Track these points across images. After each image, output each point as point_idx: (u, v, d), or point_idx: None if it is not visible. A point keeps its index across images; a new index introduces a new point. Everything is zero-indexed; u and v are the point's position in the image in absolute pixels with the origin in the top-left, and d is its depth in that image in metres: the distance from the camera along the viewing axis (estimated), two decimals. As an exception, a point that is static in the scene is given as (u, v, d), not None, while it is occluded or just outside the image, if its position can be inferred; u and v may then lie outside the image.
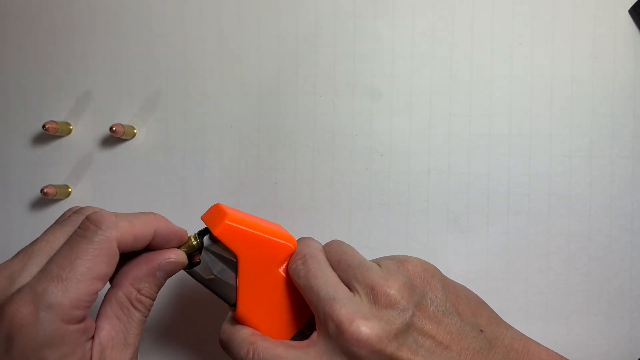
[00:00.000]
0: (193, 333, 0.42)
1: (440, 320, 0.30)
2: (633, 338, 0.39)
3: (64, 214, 0.31)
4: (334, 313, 0.29)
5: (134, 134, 0.42)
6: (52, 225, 0.30)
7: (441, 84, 0.40)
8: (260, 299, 0.32)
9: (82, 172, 0.43)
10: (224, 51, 0.41)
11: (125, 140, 0.42)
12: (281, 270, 0.33)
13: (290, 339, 0.33)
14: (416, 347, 0.29)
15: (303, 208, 0.41)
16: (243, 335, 0.31)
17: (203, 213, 0.41)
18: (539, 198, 0.39)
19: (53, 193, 0.41)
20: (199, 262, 0.32)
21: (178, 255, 0.31)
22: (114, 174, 0.42)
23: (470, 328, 0.31)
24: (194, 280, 0.32)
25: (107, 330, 0.29)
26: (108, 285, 0.30)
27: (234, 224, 0.31)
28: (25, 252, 0.28)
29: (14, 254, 0.43)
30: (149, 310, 0.30)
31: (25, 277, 0.27)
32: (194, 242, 0.32)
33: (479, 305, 0.33)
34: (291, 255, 0.33)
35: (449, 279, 0.33)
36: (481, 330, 0.31)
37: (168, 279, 0.31)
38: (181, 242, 0.31)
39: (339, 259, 0.32)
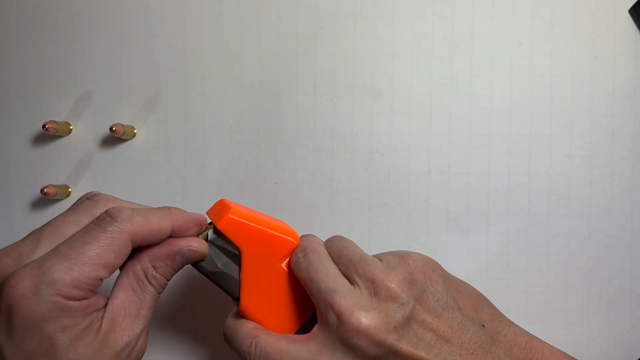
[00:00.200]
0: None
1: (441, 314, 0.30)
2: (633, 338, 0.39)
3: (79, 199, 0.32)
4: (335, 304, 0.29)
5: (134, 134, 0.42)
6: (64, 212, 0.30)
7: (441, 84, 0.40)
8: (264, 293, 0.32)
9: (82, 172, 0.43)
10: (224, 51, 0.41)
11: (125, 140, 0.42)
12: (284, 265, 0.33)
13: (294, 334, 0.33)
14: (416, 341, 0.29)
15: (303, 208, 0.41)
16: (246, 329, 0.32)
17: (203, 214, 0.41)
18: (539, 198, 0.39)
19: (53, 193, 0.41)
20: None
21: (200, 245, 0.31)
22: (114, 174, 0.42)
23: (472, 323, 0.31)
24: (199, 273, 0.33)
25: (121, 299, 0.29)
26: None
27: (238, 218, 0.32)
28: (35, 235, 0.29)
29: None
30: (163, 288, 0.31)
31: (33, 258, 0.28)
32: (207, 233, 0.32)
33: (481, 300, 0.33)
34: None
35: (450, 274, 0.33)
36: (483, 325, 0.31)
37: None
38: (200, 230, 0.32)
39: (340, 254, 0.32)
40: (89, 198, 0.31)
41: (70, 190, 0.42)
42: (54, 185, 0.41)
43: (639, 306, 0.39)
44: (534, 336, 0.32)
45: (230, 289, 0.32)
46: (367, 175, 0.41)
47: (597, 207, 0.39)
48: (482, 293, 0.34)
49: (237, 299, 0.33)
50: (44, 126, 0.40)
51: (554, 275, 0.39)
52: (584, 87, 0.39)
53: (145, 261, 0.30)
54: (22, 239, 0.29)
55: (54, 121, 0.41)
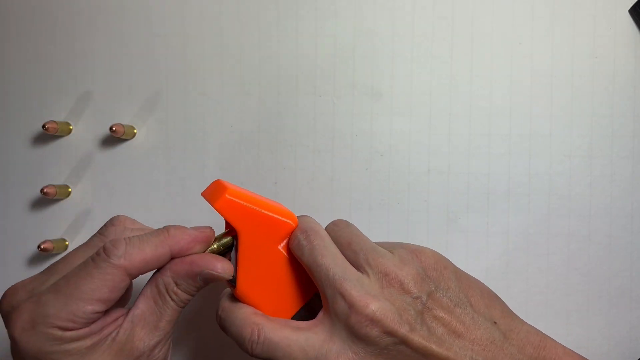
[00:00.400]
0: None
1: (453, 310, 0.30)
2: (633, 338, 0.39)
3: (97, 232, 0.32)
4: (346, 293, 0.29)
5: (134, 134, 0.42)
6: (77, 247, 0.32)
7: (441, 84, 0.40)
8: (260, 276, 0.32)
9: (82, 172, 0.43)
10: (224, 51, 0.41)
11: (125, 140, 0.42)
12: (281, 247, 0.32)
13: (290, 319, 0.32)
14: (428, 334, 0.29)
15: (303, 208, 0.41)
16: (244, 314, 0.31)
17: (203, 214, 0.41)
18: (539, 198, 0.39)
19: (53, 193, 0.41)
20: None
21: (223, 269, 0.31)
22: (114, 174, 0.42)
23: (484, 319, 0.31)
24: None
25: (142, 309, 0.30)
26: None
27: (234, 199, 0.31)
28: (49, 269, 0.30)
29: (14, 254, 0.44)
30: (185, 303, 0.31)
31: (44, 285, 0.29)
32: (214, 247, 0.32)
33: (492, 298, 0.32)
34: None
35: (462, 271, 0.33)
36: (495, 322, 0.31)
37: None
38: (207, 245, 0.31)
39: (349, 241, 0.32)
40: (99, 233, 0.32)
41: (70, 190, 0.42)
42: (54, 185, 0.41)
43: (639, 306, 0.39)
44: (547, 336, 0.32)
45: None
46: (367, 175, 0.41)
47: (597, 207, 0.39)
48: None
49: (232, 282, 0.32)
50: (44, 126, 0.40)
51: (554, 275, 0.39)
52: (584, 87, 0.39)
53: (167, 276, 0.30)
54: (38, 273, 0.30)
55: (54, 121, 0.41)
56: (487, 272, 0.40)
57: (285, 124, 0.41)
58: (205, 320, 0.42)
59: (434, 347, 0.29)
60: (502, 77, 0.39)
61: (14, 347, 0.29)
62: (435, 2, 0.40)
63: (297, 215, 0.33)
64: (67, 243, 0.42)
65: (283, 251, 0.32)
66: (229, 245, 0.32)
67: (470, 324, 0.30)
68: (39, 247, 0.40)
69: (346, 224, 0.33)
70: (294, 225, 0.32)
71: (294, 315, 0.33)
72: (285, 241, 0.32)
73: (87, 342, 0.29)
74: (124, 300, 0.32)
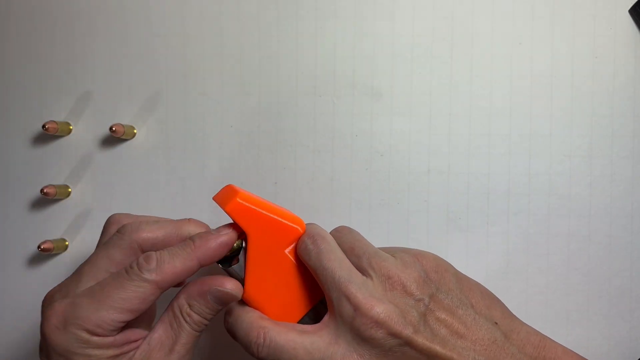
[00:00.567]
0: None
1: (455, 311, 0.31)
2: (633, 338, 0.39)
3: (105, 231, 0.34)
4: (351, 296, 0.29)
5: (134, 134, 0.42)
6: (97, 248, 0.33)
7: (441, 84, 0.40)
8: (268, 280, 0.32)
9: (82, 172, 0.43)
10: (224, 51, 0.41)
11: (125, 140, 0.42)
12: (289, 252, 0.33)
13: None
14: (431, 335, 0.30)
15: (303, 208, 0.41)
16: (250, 318, 0.31)
17: (203, 214, 0.41)
18: (539, 198, 0.39)
19: (53, 193, 0.41)
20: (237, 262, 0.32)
21: (233, 288, 0.31)
22: (114, 174, 0.42)
23: (485, 320, 0.31)
24: None
25: (159, 333, 0.31)
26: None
27: (245, 203, 0.31)
28: (77, 272, 0.32)
29: (14, 254, 0.44)
30: (199, 327, 0.31)
31: (79, 290, 0.31)
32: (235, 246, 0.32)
33: (493, 300, 0.33)
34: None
35: (462, 273, 0.33)
36: (495, 323, 0.31)
37: None
38: (230, 249, 0.32)
39: (352, 246, 0.32)
40: (118, 231, 0.33)
41: (70, 190, 0.42)
42: (54, 185, 0.41)
43: (639, 306, 0.39)
44: (547, 336, 0.32)
45: (236, 275, 0.32)
46: (367, 175, 0.41)
47: (597, 207, 0.39)
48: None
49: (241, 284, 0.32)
50: (44, 126, 0.40)
51: (554, 275, 0.39)
52: (584, 87, 0.39)
53: (181, 298, 0.31)
54: (68, 277, 0.32)
55: (54, 121, 0.41)
56: (487, 272, 0.40)
57: (285, 124, 0.41)
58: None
59: (437, 348, 0.29)
60: (502, 77, 0.39)
61: (43, 343, 0.30)
62: (435, 2, 0.40)
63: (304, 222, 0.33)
64: (67, 243, 0.42)
65: (290, 256, 0.33)
66: (237, 249, 0.32)
67: (472, 325, 0.31)
68: (39, 247, 0.40)
69: (349, 229, 0.34)
70: (301, 231, 0.33)
71: (300, 321, 0.33)
72: (292, 246, 0.33)
73: (109, 353, 0.30)
74: (148, 319, 0.33)
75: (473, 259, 0.40)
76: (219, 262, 0.32)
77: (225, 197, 0.32)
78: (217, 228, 0.32)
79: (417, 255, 0.32)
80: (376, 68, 0.40)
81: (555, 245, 0.39)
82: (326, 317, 0.31)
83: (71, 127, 0.42)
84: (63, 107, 0.43)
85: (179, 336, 0.31)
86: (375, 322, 0.29)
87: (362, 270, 0.31)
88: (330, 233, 0.34)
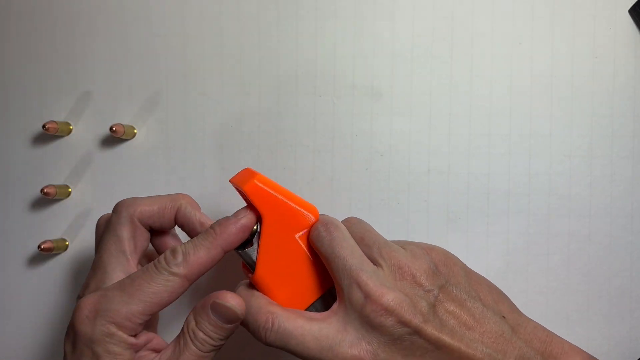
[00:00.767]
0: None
1: (464, 303, 0.31)
2: (633, 338, 0.39)
3: (97, 230, 0.35)
4: (362, 283, 0.29)
5: (134, 134, 0.42)
6: (96, 248, 0.34)
7: (441, 84, 0.40)
8: (279, 265, 0.32)
9: (82, 172, 0.43)
10: (224, 51, 0.41)
11: (125, 140, 0.42)
12: (300, 239, 0.33)
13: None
14: (440, 326, 0.30)
15: (303, 208, 0.41)
16: (260, 302, 0.31)
17: (203, 213, 0.41)
18: (539, 198, 0.39)
19: (53, 193, 0.41)
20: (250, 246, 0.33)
21: (236, 303, 0.31)
22: (114, 174, 0.42)
23: (493, 313, 0.31)
24: None
25: (169, 350, 0.31)
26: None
27: (262, 185, 0.32)
28: (98, 265, 0.33)
29: (14, 254, 0.44)
30: (204, 346, 0.31)
31: (108, 283, 0.32)
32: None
33: (500, 295, 0.33)
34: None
35: (470, 268, 0.33)
36: (503, 317, 0.32)
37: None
38: (249, 233, 0.32)
39: (362, 236, 0.32)
40: (113, 211, 0.34)
41: (70, 190, 0.42)
42: (54, 185, 0.41)
43: (639, 306, 0.39)
44: (553, 332, 0.33)
45: (249, 258, 0.32)
46: (367, 175, 0.41)
47: (597, 207, 0.39)
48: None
49: (251, 268, 0.33)
50: (44, 126, 0.40)
51: (554, 275, 0.39)
52: (584, 87, 0.39)
53: (191, 314, 0.31)
54: (91, 271, 0.33)
55: (54, 121, 0.41)
56: (487, 272, 0.40)
57: (285, 124, 0.41)
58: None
59: (446, 338, 0.29)
60: (502, 77, 0.39)
61: (70, 331, 0.31)
62: (435, 2, 0.40)
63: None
64: (67, 243, 0.42)
65: (302, 243, 0.33)
66: (252, 233, 0.33)
67: (480, 317, 0.31)
68: (39, 247, 0.40)
69: (358, 220, 0.34)
70: (315, 219, 0.33)
71: (307, 309, 0.33)
72: (304, 233, 0.33)
73: (126, 354, 0.30)
74: (154, 322, 0.34)
75: (473, 259, 0.40)
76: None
77: (243, 178, 0.33)
78: (234, 213, 0.32)
79: (426, 248, 0.32)
80: (376, 68, 0.40)
81: (555, 245, 0.39)
82: (335, 305, 0.31)
83: (71, 127, 0.42)
84: (63, 107, 0.43)
85: (182, 353, 0.31)
86: (385, 310, 0.29)
87: (373, 260, 0.31)
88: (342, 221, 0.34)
